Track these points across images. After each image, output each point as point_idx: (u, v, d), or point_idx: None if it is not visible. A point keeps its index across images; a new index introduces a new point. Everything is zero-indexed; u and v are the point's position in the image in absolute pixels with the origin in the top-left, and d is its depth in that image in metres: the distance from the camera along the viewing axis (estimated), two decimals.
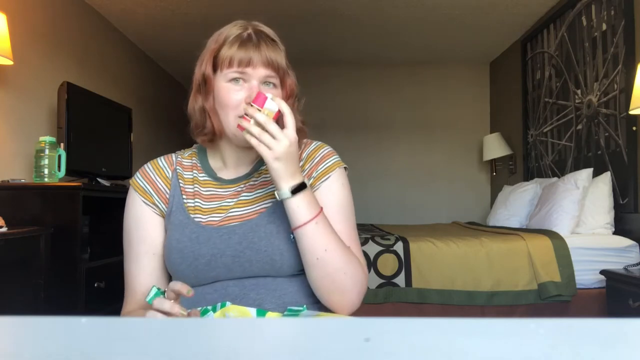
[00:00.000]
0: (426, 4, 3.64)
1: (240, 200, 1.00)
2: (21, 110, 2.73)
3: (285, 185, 0.89)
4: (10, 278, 1.90)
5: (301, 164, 1.04)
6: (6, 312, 1.84)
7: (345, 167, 1.06)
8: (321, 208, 0.93)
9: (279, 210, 0.97)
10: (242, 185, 1.02)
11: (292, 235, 0.94)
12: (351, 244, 0.99)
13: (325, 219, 0.93)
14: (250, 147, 1.03)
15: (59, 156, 2.46)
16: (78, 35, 3.38)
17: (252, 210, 0.99)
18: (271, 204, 0.98)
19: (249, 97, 0.93)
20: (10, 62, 2.31)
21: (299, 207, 0.90)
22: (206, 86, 0.98)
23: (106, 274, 2.41)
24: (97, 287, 2.34)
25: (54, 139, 2.46)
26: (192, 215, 0.98)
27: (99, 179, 2.82)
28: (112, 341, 0.33)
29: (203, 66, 0.98)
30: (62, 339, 0.34)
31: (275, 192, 0.91)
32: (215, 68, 0.97)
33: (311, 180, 1.02)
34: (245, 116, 0.89)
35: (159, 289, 0.95)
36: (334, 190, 1.01)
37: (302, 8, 3.70)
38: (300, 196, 0.90)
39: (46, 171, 2.40)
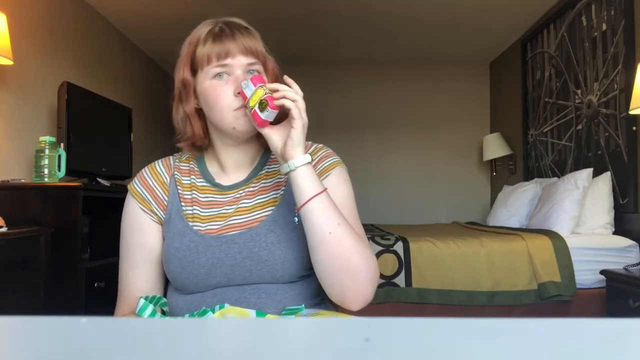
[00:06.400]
0: (426, 4, 3.64)
1: (240, 207, 0.98)
2: (21, 110, 2.73)
3: (302, 152, 0.87)
4: (10, 278, 1.90)
5: None
6: (6, 312, 1.84)
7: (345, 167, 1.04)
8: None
9: (280, 218, 0.96)
10: (241, 192, 1.00)
11: (296, 219, 0.91)
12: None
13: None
14: (248, 142, 1.00)
15: (59, 156, 2.46)
16: (78, 35, 3.38)
17: (253, 218, 0.96)
18: (272, 211, 0.97)
19: (237, 88, 0.92)
20: (10, 62, 2.31)
21: (311, 177, 0.88)
22: (186, 90, 0.96)
23: (106, 274, 2.41)
24: (97, 287, 2.34)
25: (54, 139, 2.46)
26: (191, 223, 0.96)
27: (99, 179, 2.82)
28: (112, 341, 0.33)
29: (181, 72, 0.97)
30: (62, 339, 0.34)
31: (285, 164, 0.88)
32: (195, 71, 0.96)
33: None
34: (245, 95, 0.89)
35: (146, 299, 0.94)
36: (335, 187, 0.98)
37: (302, 8, 3.70)
38: (311, 168, 0.89)
39: (46, 171, 2.40)
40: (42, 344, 0.33)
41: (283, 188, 0.99)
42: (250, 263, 0.92)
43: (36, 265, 2.04)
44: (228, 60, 0.93)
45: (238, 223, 0.96)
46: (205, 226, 0.96)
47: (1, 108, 2.58)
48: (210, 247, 0.93)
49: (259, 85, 0.88)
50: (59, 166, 2.45)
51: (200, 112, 0.98)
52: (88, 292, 2.28)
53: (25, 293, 2.00)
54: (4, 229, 1.86)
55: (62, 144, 2.55)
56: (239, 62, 0.93)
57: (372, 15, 3.85)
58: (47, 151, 2.41)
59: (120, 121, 3.31)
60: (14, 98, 2.67)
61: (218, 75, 0.93)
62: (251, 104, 0.87)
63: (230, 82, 0.93)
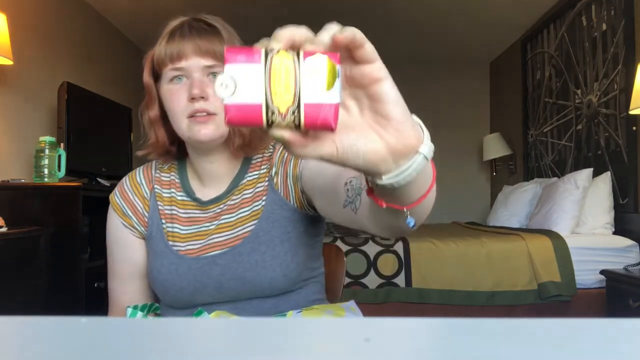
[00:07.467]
0: (426, 4, 3.64)
1: (222, 223, 0.90)
2: (21, 110, 2.73)
3: (417, 126, 0.49)
4: (10, 278, 1.90)
5: (274, 170, 0.91)
6: (6, 312, 1.84)
7: None
8: None
9: (264, 233, 0.88)
10: (222, 206, 0.91)
11: (411, 221, 0.58)
12: None
13: None
14: (215, 153, 0.89)
15: (59, 156, 2.46)
16: (78, 35, 3.38)
17: (234, 235, 0.89)
18: (254, 226, 0.88)
19: (190, 94, 0.82)
20: (10, 62, 2.31)
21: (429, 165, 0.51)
22: (148, 94, 0.90)
23: (106, 274, 2.41)
24: (97, 287, 2.34)
25: (54, 139, 2.46)
26: (171, 243, 0.91)
27: (99, 179, 2.82)
28: (112, 341, 0.33)
29: (144, 75, 0.89)
30: (62, 339, 0.34)
31: (411, 161, 0.48)
32: (157, 73, 0.88)
33: (290, 171, 0.89)
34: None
35: (135, 308, 0.94)
36: None
37: (301, 7, 3.70)
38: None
39: (46, 171, 2.40)
40: (42, 344, 0.33)
41: (264, 198, 0.90)
42: (236, 284, 0.87)
43: (36, 265, 2.04)
44: (182, 63, 0.83)
45: (219, 242, 0.89)
46: (184, 246, 0.90)
47: (1, 108, 2.58)
48: (190, 269, 0.88)
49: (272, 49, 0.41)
50: (59, 166, 2.45)
51: (166, 118, 0.90)
52: (88, 292, 2.28)
53: (25, 293, 2.00)
54: (4, 229, 1.86)
55: (62, 144, 2.54)
56: (195, 65, 0.83)
57: (371, 15, 3.85)
58: (47, 151, 2.41)
59: (120, 121, 3.31)
60: (14, 98, 2.67)
61: (176, 77, 0.84)
62: (284, 100, 0.41)
63: (185, 86, 0.83)
